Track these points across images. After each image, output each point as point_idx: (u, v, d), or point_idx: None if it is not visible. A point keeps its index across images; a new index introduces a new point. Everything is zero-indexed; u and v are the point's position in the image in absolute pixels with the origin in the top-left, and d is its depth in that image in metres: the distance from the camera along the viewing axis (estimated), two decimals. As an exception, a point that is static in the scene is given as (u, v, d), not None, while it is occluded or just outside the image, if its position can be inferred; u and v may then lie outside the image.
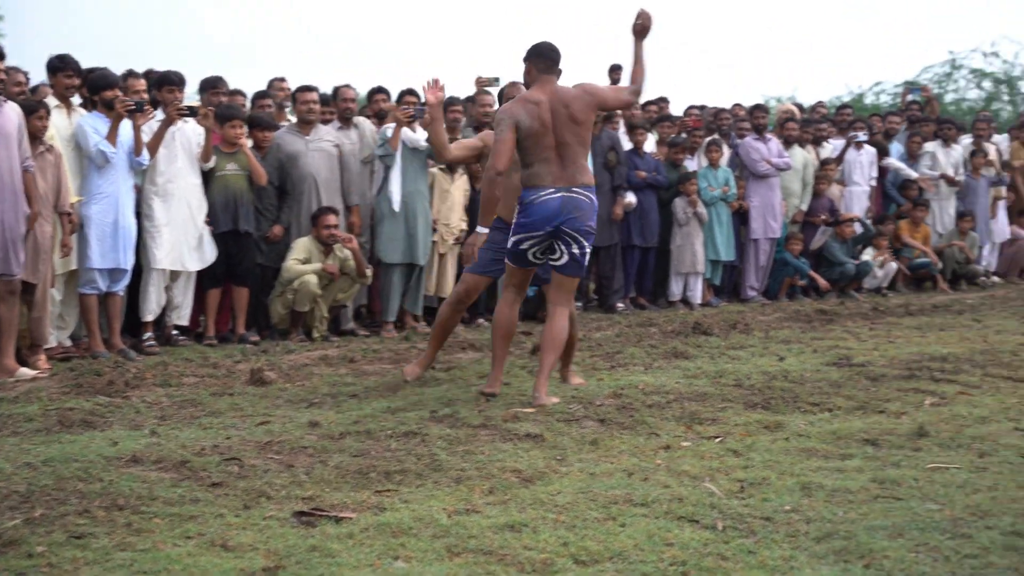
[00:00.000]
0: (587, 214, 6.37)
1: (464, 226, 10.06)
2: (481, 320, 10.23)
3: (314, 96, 9.54)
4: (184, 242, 8.55)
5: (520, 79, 6.89)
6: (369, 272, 9.36)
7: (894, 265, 12.96)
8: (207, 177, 8.76)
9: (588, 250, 6.48)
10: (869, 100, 26.05)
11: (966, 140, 14.34)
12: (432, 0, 51.64)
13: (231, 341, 8.82)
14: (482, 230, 6.79)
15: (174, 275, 8.57)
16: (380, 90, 10.25)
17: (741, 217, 12.16)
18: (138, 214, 8.36)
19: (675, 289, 11.83)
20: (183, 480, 4.61)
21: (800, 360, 7.88)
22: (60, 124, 7.96)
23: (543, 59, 6.45)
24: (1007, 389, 6.68)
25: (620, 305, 11.32)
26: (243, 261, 8.93)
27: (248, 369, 7.33)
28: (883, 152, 13.42)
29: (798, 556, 3.68)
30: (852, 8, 44.39)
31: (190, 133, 8.65)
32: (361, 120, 9.94)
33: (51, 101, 8.02)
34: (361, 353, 8.30)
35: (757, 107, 12.93)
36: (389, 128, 9.40)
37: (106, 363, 7.56)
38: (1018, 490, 4.41)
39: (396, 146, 9.34)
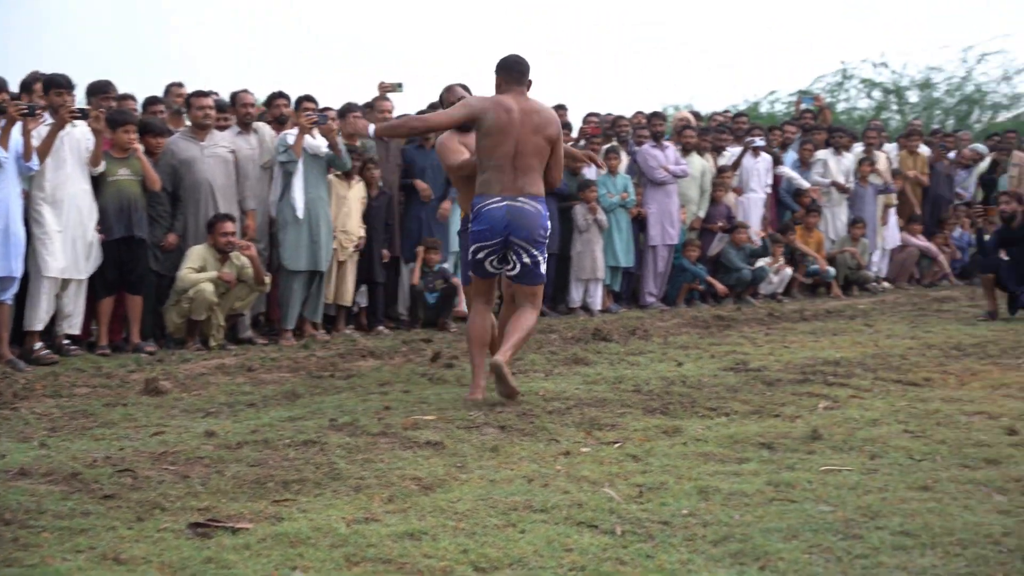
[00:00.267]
0: (533, 223, 6.47)
1: (362, 232, 10.01)
2: (381, 328, 10.18)
3: (209, 101, 9.40)
4: (76, 249, 8.35)
5: (455, 83, 7.18)
6: (268, 279, 9.25)
7: (789, 271, 13.20)
8: (98, 183, 8.57)
9: (542, 258, 6.60)
10: (764, 108, 26.55)
11: (859, 148, 14.67)
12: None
13: (125, 351, 8.64)
14: None
15: (65, 283, 8.37)
16: (280, 95, 10.15)
17: (640, 224, 12.29)
18: (26, 221, 8.13)
19: (575, 295, 11.90)
20: (73, 493, 4.49)
21: (698, 365, 7.98)
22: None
23: (512, 71, 6.57)
24: (897, 392, 6.83)
25: (521, 312, 11.34)
26: (137, 268, 8.76)
27: (143, 379, 7.18)
28: (777, 160, 13.67)
29: (695, 559, 3.72)
30: (747, 18, 45.21)
31: (79, 138, 8.44)
32: (261, 125, 9.84)
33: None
34: (259, 362, 8.19)
35: (655, 115, 13.09)
36: (289, 134, 9.32)
37: (-6, 374, 7.36)
38: (907, 491, 4.51)
39: (299, 152, 9.26)
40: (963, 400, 6.51)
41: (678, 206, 12.41)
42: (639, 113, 13.48)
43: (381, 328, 10.20)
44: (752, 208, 13.30)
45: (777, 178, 13.70)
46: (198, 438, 5.49)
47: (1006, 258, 11.05)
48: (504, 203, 6.43)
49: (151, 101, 9.93)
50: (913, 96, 26.85)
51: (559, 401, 6.48)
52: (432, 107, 10.42)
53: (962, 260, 15.52)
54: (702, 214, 12.84)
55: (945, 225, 15.38)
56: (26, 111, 7.79)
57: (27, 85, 9.03)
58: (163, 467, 4.90)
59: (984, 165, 16.14)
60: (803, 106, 16.43)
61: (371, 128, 7.21)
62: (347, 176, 9.89)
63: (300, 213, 9.34)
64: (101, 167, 8.53)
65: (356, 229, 9.97)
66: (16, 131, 7.88)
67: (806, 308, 12.09)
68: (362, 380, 7.43)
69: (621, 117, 13.33)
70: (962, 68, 26.26)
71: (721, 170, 12.96)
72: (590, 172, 12.08)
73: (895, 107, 26.76)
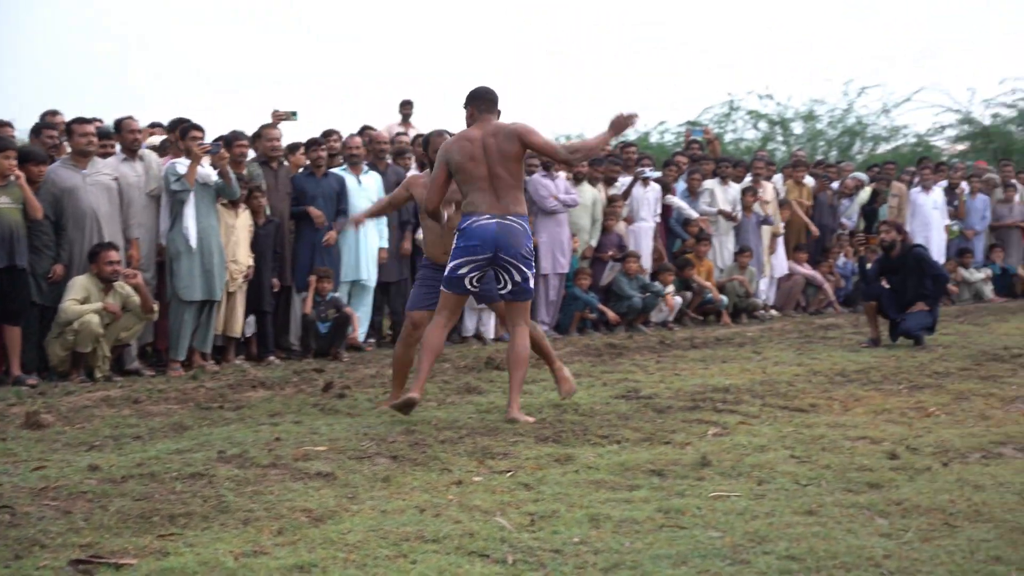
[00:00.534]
0: (520, 240, 6.83)
1: (251, 262, 9.90)
2: (272, 358, 10.06)
3: (91, 128, 9.21)
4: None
5: (435, 132, 7.69)
6: (156, 308, 9.09)
7: (679, 299, 13.37)
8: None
9: (530, 274, 6.92)
10: (654, 139, 26.92)
11: (750, 179, 14.93)
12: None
13: (5, 383, 8.40)
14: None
15: (-58, 314, 8.12)
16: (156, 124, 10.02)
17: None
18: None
19: (468, 324, 11.90)
20: (-52, 531, 4.34)
21: (590, 393, 8.03)
22: None
23: (482, 101, 6.96)
24: (784, 418, 6.95)
25: (414, 341, 11.31)
26: (17, 299, 8.52)
27: (23, 412, 6.99)
28: (667, 189, 13.86)
29: (587, 587, 3.73)
30: (636, 48, 45.88)
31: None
32: (147, 152, 9.67)
33: None
34: (146, 393, 8.03)
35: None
36: (179, 163, 9.20)
37: None
38: (793, 515, 4.59)
39: (192, 181, 9.14)
40: (847, 425, 6.65)
41: (569, 235, 12.50)
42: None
43: (272, 358, 10.09)
44: (642, 237, 13.46)
45: (667, 207, 13.88)
46: (81, 472, 5.35)
47: (887, 286, 11.35)
48: (494, 220, 6.77)
49: (38, 129, 9.70)
50: (798, 127, 27.48)
51: (452, 430, 6.47)
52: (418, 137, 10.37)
53: (846, 288, 15.89)
54: (594, 243, 12.95)
55: (830, 254, 15.75)
56: None
57: None
58: (44, 503, 4.77)
59: (865, 195, 16.59)
60: (692, 137, 16.70)
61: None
62: (233, 205, 9.79)
63: (193, 242, 9.22)
64: (-20, 195, 8.31)
65: (245, 258, 9.86)
66: None
67: (696, 336, 12.25)
68: (252, 411, 7.33)
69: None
70: (844, 101, 27.00)
71: (612, 199, 13.09)
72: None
73: (780, 138, 27.36)
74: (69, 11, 44.12)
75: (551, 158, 7.11)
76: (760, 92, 27.31)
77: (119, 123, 9.67)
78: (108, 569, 3.87)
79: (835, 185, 16.16)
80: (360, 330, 10.93)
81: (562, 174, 12.64)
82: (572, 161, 7.30)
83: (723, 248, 14.41)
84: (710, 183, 14.35)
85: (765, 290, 14.88)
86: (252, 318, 10.22)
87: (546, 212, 12.29)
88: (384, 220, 11.02)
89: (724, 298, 13.81)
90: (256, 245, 10.04)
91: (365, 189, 10.91)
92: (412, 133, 13.58)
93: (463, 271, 6.83)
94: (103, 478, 5.23)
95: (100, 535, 4.31)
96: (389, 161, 11.52)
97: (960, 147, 27.06)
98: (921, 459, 5.67)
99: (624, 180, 13.44)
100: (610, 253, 12.96)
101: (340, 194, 10.72)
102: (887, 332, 11.29)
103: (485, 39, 50.10)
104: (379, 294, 11.29)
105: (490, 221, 6.76)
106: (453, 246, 6.88)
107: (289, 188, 10.62)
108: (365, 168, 11.06)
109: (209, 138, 9.55)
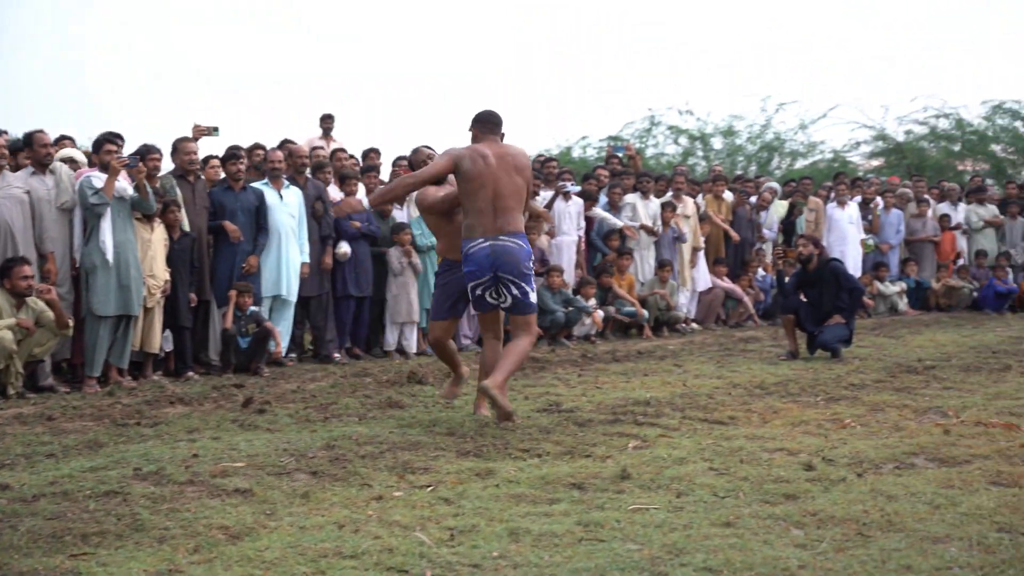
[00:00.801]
0: (518, 258, 7.14)
1: (168, 277, 9.77)
2: (190, 373, 9.93)
3: (1, 141, 9.05)
4: None
5: (421, 146, 8.21)
6: (70, 323, 8.93)
7: (602, 313, 13.44)
8: None
9: (530, 288, 7.27)
10: (576, 154, 27.09)
11: (671, 193, 15.06)
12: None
13: (-87, 400, 8.20)
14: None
15: None
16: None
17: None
18: None
19: (391, 339, 11.86)
20: None
21: (512, 407, 8.02)
22: None
23: (486, 123, 7.29)
24: (703, 431, 7.02)
25: (337, 356, 11.26)
26: (-73, 314, 8.33)
27: (-69, 430, 6.83)
28: (588, 196, 13.92)
29: (505, 601, 3.73)
30: (636, 48, 46.11)
31: None
32: (59, 166, 9.49)
33: None
34: (60, 410, 7.88)
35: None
36: (94, 176, 9.06)
37: None
38: (711, 527, 4.63)
39: (111, 194, 9.01)
40: (765, 437, 6.73)
41: (492, 249, 12.50)
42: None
43: (191, 374, 9.95)
44: (564, 251, 13.52)
45: (589, 221, 13.96)
46: (-9, 492, 5.23)
47: (805, 300, 11.52)
48: (487, 244, 7.09)
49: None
50: (717, 143, 27.83)
51: (372, 445, 6.44)
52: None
53: (765, 301, 16.10)
54: (516, 257, 12.95)
55: (749, 267, 15.96)
56: None
57: None
58: (-49, 523, 4.65)
59: (783, 209, 16.86)
60: (614, 153, 16.82)
61: (365, 201, 7.77)
62: (148, 219, 9.66)
63: (110, 257, 9.08)
64: None
65: (161, 273, 9.73)
66: None
67: (618, 349, 12.33)
68: (169, 427, 7.23)
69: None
70: (762, 116, 27.41)
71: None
72: (401, 215, 12.10)
73: (701, 153, 27.68)
74: (69, 11, 43.55)
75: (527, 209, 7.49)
76: (680, 108, 27.66)
77: (29, 136, 9.46)
78: (17, 590, 3.79)
79: (752, 199, 16.38)
80: (282, 345, 10.83)
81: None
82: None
83: (644, 262, 14.52)
84: (631, 197, 14.46)
85: (686, 303, 15.02)
86: (169, 333, 10.08)
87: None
88: (305, 235, 10.96)
89: (645, 312, 13.91)
90: (172, 260, 9.91)
91: (287, 204, 10.82)
92: (332, 147, 13.54)
93: (479, 291, 7.25)
94: (13, 497, 5.12)
95: (9, 556, 4.22)
96: (308, 175, 11.44)
97: (875, 163, 27.62)
98: (836, 470, 5.75)
99: (546, 194, 13.48)
100: (533, 267, 12.97)
101: (259, 209, 10.61)
102: (805, 345, 11.46)
103: (485, 39, 50.22)
104: (300, 309, 11.21)
105: (484, 245, 7.09)
106: (463, 270, 7.24)
107: (207, 202, 10.50)
108: (286, 183, 10.97)
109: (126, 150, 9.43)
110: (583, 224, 13.82)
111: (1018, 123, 26.20)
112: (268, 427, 7.22)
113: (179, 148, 10.39)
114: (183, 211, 10.14)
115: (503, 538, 4.47)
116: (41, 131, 9.45)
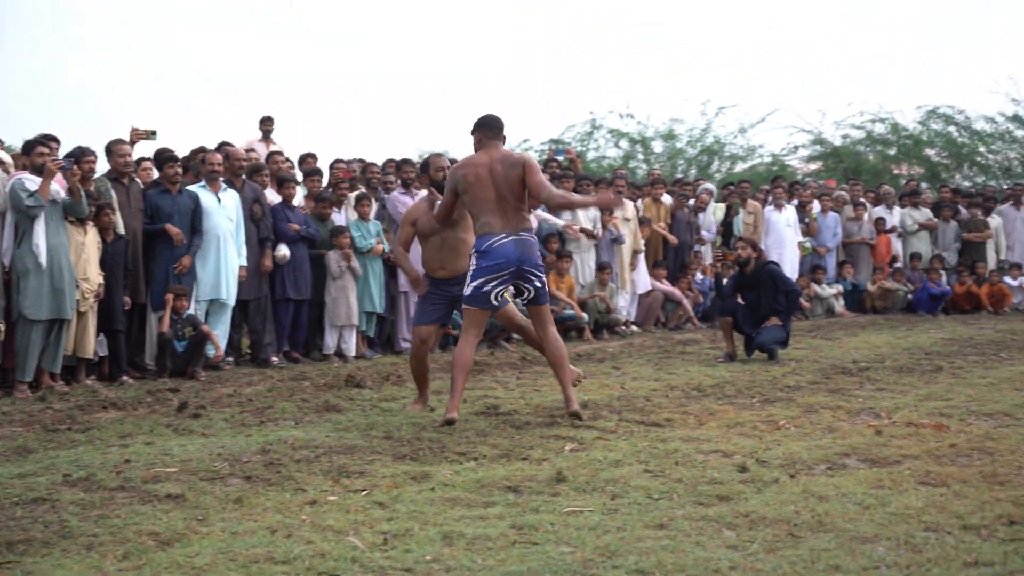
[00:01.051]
0: (535, 252, 7.46)
1: (101, 280, 9.65)
2: (125, 377, 9.81)
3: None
4: None
5: (434, 154, 8.61)
6: (1, 327, 8.79)
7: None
8: None
9: (545, 278, 7.56)
10: (518, 157, 27.08)
11: (612, 197, 15.15)
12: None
13: None
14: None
15: None
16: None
17: (391, 270, 12.29)
18: None
19: (329, 342, 11.80)
20: None
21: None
22: None
23: (489, 128, 7.51)
24: (640, 433, 7.04)
25: (274, 359, 11.18)
26: None
27: None
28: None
29: (437, 605, 3.72)
30: (636, 48, 46.21)
31: None
32: (-13, 168, 9.36)
33: None
34: (-10, 415, 7.76)
35: (405, 161, 13.20)
36: (27, 179, 8.93)
37: None
38: (644, 529, 4.65)
39: (47, 196, 8.89)
40: (700, 439, 6.77)
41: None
42: (390, 160, 13.57)
43: (125, 378, 9.83)
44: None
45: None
46: (-85, 499, 5.14)
47: (742, 302, 11.62)
48: (511, 238, 7.31)
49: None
50: (658, 146, 28.01)
51: (308, 449, 6.39)
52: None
53: (704, 304, 16.22)
54: (457, 259, 12.95)
55: (688, 270, 16.07)
56: None
57: None
58: None
59: (720, 211, 17.02)
60: (555, 157, 16.87)
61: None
62: (81, 222, 9.53)
63: (44, 260, 8.95)
64: None
65: (95, 276, 9.60)
66: None
67: (557, 352, 12.33)
68: (102, 432, 7.13)
69: (372, 164, 13.41)
70: (702, 120, 27.62)
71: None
72: (339, 218, 12.05)
73: (641, 156, 27.84)
74: (68, 11, 42.83)
75: (534, 196, 7.51)
76: (621, 111, 27.80)
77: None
78: (-61, 600, 3.72)
79: (691, 202, 16.51)
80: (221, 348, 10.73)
81: (423, 192, 12.61)
82: (551, 207, 7.81)
83: (584, 265, 14.57)
84: (571, 200, 14.48)
85: (626, 306, 15.09)
86: (103, 337, 9.95)
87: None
88: (243, 238, 10.87)
89: (585, 315, 13.95)
90: (106, 263, 9.79)
91: (225, 207, 10.73)
92: (271, 149, 13.45)
93: (489, 287, 7.35)
94: (-61, 505, 5.03)
95: (-68, 565, 4.15)
96: (244, 178, 11.34)
97: (813, 166, 27.94)
98: (769, 471, 5.80)
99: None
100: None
101: (195, 211, 10.51)
102: (743, 347, 11.55)
103: (485, 39, 50.09)
104: (237, 312, 11.11)
105: (508, 239, 7.30)
106: (473, 266, 7.36)
107: (142, 204, 10.39)
108: (223, 186, 10.87)
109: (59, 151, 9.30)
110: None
111: (951, 128, 26.62)
112: (203, 432, 7.15)
113: (113, 150, 10.27)
114: (118, 214, 10.03)
115: (436, 542, 4.46)
116: (-27, 135, 9.31)
